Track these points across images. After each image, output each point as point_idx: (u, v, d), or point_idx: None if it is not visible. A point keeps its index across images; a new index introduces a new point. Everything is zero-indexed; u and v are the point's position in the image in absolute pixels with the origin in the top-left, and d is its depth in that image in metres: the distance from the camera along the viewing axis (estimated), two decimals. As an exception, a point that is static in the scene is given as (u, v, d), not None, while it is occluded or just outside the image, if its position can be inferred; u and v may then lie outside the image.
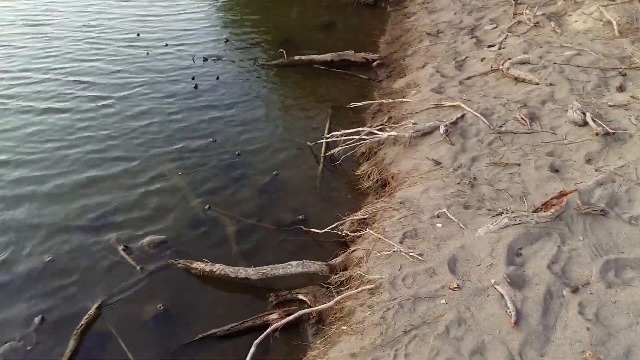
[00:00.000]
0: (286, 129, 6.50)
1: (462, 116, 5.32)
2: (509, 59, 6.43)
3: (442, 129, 5.07)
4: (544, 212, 3.65)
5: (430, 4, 10.61)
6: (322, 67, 8.22)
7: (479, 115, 5.24)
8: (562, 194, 3.81)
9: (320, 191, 5.34)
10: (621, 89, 5.52)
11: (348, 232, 4.33)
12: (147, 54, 8.38)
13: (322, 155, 5.86)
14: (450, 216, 3.89)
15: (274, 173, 5.53)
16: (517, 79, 6.07)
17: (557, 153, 4.59)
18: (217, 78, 7.77)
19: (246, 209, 4.98)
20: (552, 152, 4.60)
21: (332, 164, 5.75)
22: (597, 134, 4.55)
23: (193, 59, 8.29)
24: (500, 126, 5.07)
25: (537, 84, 5.86)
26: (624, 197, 3.84)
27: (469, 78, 6.63)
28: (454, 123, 5.21)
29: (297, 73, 8.20)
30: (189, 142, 6.01)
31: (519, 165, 4.49)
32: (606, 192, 3.87)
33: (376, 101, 6.81)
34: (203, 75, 7.87)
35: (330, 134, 6.00)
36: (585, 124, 4.74)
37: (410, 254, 3.60)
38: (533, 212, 3.71)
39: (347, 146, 5.63)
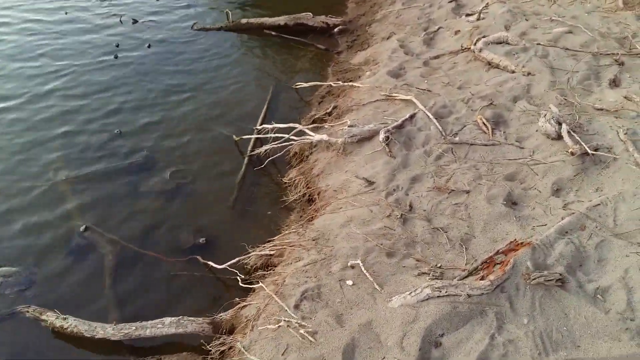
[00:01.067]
0: (212, 117, 5.39)
1: (412, 117, 4.28)
2: (484, 36, 5.26)
3: (382, 136, 4.04)
4: (482, 279, 2.73)
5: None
6: (273, 34, 7.02)
7: (432, 117, 4.19)
8: (511, 249, 2.89)
9: (236, 203, 4.40)
10: (615, 83, 4.44)
11: (242, 278, 3.43)
12: (66, 13, 7.12)
13: (247, 153, 4.87)
14: (365, 271, 2.99)
15: (184, 178, 4.57)
16: (490, 64, 4.96)
17: (519, 177, 3.61)
18: (149, 47, 6.60)
19: (137, 228, 4.06)
20: (513, 176, 3.62)
21: (259, 165, 4.76)
22: (572, 154, 3.54)
23: (120, 20, 7.05)
24: (455, 134, 4.04)
25: (513, 71, 4.76)
26: (593, 255, 2.90)
27: (436, 57, 5.52)
28: (400, 127, 4.18)
29: (242, 40, 7.00)
30: (87, 136, 4.97)
31: (467, 192, 3.51)
32: (570, 247, 2.92)
33: (325, 83, 5.72)
34: (131, 42, 6.68)
35: (262, 127, 4.99)
36: (560, 137, 3.72)
37: (302, 331, 2.73)
38: (466, 277, 2.80)
39: (277, 145, 4.64)
